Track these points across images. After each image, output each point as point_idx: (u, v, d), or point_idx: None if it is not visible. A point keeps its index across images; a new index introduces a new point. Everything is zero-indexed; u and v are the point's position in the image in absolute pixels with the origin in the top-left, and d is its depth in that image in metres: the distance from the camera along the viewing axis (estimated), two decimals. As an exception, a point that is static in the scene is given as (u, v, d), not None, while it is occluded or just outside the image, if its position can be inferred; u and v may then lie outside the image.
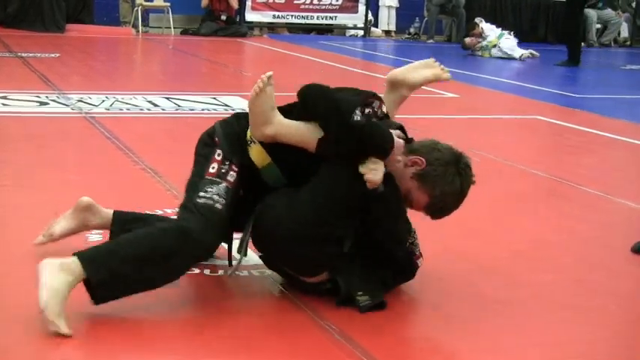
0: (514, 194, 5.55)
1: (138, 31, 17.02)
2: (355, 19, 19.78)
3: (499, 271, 4.01)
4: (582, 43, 15.18)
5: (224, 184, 3.39)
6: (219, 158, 3.46)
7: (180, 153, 6.22)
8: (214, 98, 8.85)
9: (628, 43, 21.11)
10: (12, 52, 12.33)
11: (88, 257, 3.18)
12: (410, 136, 3.58)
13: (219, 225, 3.34)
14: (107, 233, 3.94)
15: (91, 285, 3.16)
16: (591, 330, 3.44)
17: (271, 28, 19.47)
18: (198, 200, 3.34)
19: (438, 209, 3.45)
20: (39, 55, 12.17)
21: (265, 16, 18.89)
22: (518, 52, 16.05)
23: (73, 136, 6.73)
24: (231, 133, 3.53)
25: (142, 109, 8.05)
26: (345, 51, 15.94)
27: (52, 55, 12.23)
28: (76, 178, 5.35)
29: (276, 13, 18.88)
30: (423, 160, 3.39)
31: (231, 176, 3.43)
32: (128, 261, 3.19)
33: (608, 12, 20.54)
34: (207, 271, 3.78)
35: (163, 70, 12.84)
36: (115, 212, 3.95)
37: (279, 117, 3.42)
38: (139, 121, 7.57)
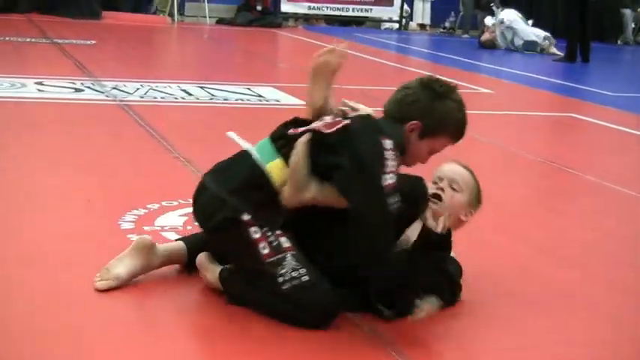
0: (546, 191, 5.52)
1: (174, 20, 17.07)
2: (390, 12, 19.74)
3: (528, 268, 3.99)
4: (593, 40, 14.90)
5: (288, 254, 3.18)
6: (259, 236, 3.21)
7: (213, 142, 6.26)
8: (248, 88, 8.87)
9: (664, 41, 20.95)
10: (48, 38, 12.41)
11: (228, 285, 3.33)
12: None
13: (317, 290, 3.16)
14: None
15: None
16: (619, 330, 3.42)
17: (306, 19, 19.47)
18: (284, 288, 3.15)
19: (460, 132, 3.44)
20: (74, 41, 12.24)
21: (300, 7, 18.89)
22: (538, 34, 16.33)
23: (107, 123, 6.76)
24: (258, 201, 3.25)
25: (176, 98, 8.07)
26: (380, 44, 15.91)
27: (88, 42, 12.30)
28: (110, 164, 5.38)
29: (312, 5, 18.88)
30: (416, 122, 3.32)
31: (285, 241, 3.21)
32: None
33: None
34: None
35: (198, 59, 12.87)
36: (186, 245, 3.65)
37: (315, 182, 3.22)
38: (172, 110, 7.59)
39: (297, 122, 3.39)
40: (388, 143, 3.14)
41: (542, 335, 3.30)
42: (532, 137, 7.65)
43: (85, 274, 3.46)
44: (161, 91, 8.32)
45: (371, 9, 19.47)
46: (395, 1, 19.51)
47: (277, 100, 8.31)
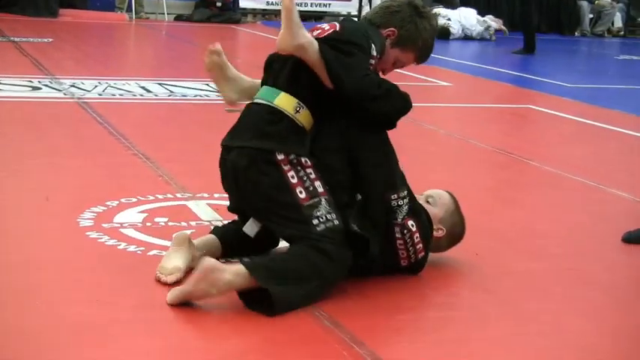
0: (507, 183, 5.55)
1: (131, 17, 16.98)
2: (349, 7, 19.75)
3: (488, 260, 4.01)
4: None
5: (322, 199, 3.38)
6: (296, 181, 3.38)
7: (173, 139, 6.27)
8: (207, 84, 8.83)
9: (622, 33, 21.10)
10: (4, 37, 12.29)
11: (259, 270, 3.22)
12: None
13: (344, 237, 3.37)
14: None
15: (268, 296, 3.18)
16: (579, 319, 3.44)
17: (265, 14, 19.43)
18: (318, 229, 3.32)
19: (426, 54, 3.80)
20: (32, 39, 12.14)
21: (259, 3, 18.84)
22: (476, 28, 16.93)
23: (65, 121, 6.71)
24: (283, 134, 3.44)
25: (134, 95, 8.03)
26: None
27: (45, 40, 12.19)
28: (68, 162, 5.34)
29: (270, 0, 18.84)
30: (393, 29, 3.67)
31: (319, 186, 3.40)
32: (290, 278, 3.25)
33: (602, 2, 20.54)
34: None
35: (156, 55, 12.82)
36: (217, 236, 3.74)
37: (307, 33, 3.47)
38: (131, 107, 7.56)
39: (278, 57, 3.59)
40: (373, 48, 3.52)
41: (497, 325, 3.32)
42: (490, 129, 7.69)
43: (44, 272, 3.44)
44: (119, 89, 8.28)
45: (330, 4, 19.46)
46: (353, -4, 19.52)
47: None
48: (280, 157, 3.39)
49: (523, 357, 3.09)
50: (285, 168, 3.38)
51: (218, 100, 8.01)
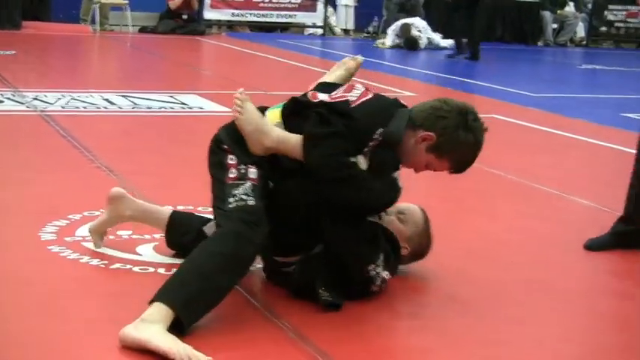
0: (471, 192, 5.56)
1: (96, 29, 16.91)
2: (314, 18, 19.79)
3: (452, 269, 4.02)
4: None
5: (249, 183, 3.37)
6: (233, 162, 3.43)
7: (136, 151, 6.23)
8: (172, 97, 8.81)
9: (584, 42, 21.28)
10: (-34, 50, 12.20)
11: (167, 298, 3.09)
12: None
13: (258, 217, 3.31)
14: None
15: (179, 319, 3.08)
16: (539, 328, 3.45)
17: (230, 26, 19.41)
18: (230, 206, 3.32)
19: (462, 167, 3.60)
20: (-6, 52, 12.06)
21: (224, 14, 18.82)
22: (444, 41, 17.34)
23: (28, 134, 6.67)
24: (240, 138, 3.46)
25: (98, 108, 7.99)
26: (304, 49, 15.93)
27: (7, 53, 12.11)
28: (30, 176, 5.29)
29: (235, 11, 18.83)
30: (432, 134, 3.43)
31: (252, 173, 3.40)
32: (198, 283, 3.14)
33: (565, 12, 20.71)
34: (161, 270, 3.76)
35: (121, 68, 12.76)
36: (171, 216, 3.94)
37: (273, 128, 3.42)
38: (95, 120, 7.52)
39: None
40: (378, 132, 3.36)
41: (458, 334, 3.32)
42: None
43: (4, 285, 3.40)
44: (83, 101, 8.23)
45: (295, 15, 19.49)
46: (318, 7, 19.56)
47: (201, 108, 8.27)
48: (226, 146, 3.47)
49: (488, 366, 3.10)
50: (229, 155, 3.44)
51: (182, 112, 8.01)
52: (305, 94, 3.63)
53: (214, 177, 3.48)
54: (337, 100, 3.49)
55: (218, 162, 3.47)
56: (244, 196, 3.33)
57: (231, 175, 3.39)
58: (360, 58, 4.02)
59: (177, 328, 3.05)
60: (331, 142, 3.29)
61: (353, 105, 3.44)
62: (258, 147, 3.41)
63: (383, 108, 3.50)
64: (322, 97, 3.54)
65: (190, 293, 3.11)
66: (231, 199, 3.33)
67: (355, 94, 3.52)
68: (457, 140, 3.45)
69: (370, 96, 3.52)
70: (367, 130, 3.37)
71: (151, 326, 2.99)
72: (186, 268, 3.21)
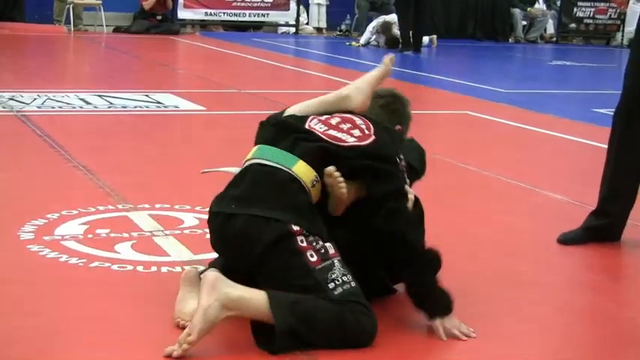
0: (445, 189, 5.63)
1: (70, 29, 16.87)
2: (287, 17, 19.82)
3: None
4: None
5: (335, 260, 3.15)
6: (305, 244, 3.14)
7: (113, 150, 6.27)
8: (147, 95, 8.84)
9: (554, 39, 21.41)
10: (-61, 51, 12.16)
11: (281, 309, 2.99)
12: None
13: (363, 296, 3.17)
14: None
15: (273, 333, 2.99)
16: (517, 322, 3.51)
17: (204, 25, 19.41)
18: (335, 293, 3.09)
19: None
20: (-32, 53, 12.03)
21: (197, 14, 18.82)
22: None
23: (4, 134, 6.68)
24: (300, 208, 3.20)
25: (74, 107, 8.01)
26: (277, 48, 15.96)
27: (-19, 54, 12.09)
28: (8, 175, 5.32)
29: (209, 11, 18.82)
30: (399, 127, 3.75)
31: (330, 247, 3.17)
32: (316, 326, 3.04)
33: (535, 9, 20.83)
34: (140, 267, 3.81)
35: (96, 67, 12.75)
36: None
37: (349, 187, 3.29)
38: (71, 119, 7.54)
39: (281, 122, 3.42)
40: (402, 165, 3.48)
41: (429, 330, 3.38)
42: (428, 135, 7.76)
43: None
44: (59, 101, 8.25)
45: (267, 14, 19.50)
46: (291, 6, 19.59)
47: (176, 106, 8.30)
48: (296, 228, 3.15)
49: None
50: (297, 237, 3.14)
51: (158, 111, 8.04)
52: (310, 132, 3.36)
53: (285, 273, 3.12)
54: (372, 144, 3.37)
55: (283, 253, 3.12)
56: (344, 277, 3.12)
57: (313, 260, 3.12)
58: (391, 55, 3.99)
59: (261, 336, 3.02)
60: (421, 220, 3.73)
61: (376, 143, 3.38)
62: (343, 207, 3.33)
63: (392, 143, 3.51)
64: (345, 137, 3.35)
65: (299, 329, 3.01)
66: (331, 285, 3.10)
67: (362, 125, 3.45)
68: (407, 118, 3.84)
69: (370, 124, 3.48)
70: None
71: (219, 311, 2.94)
72: (314, 309, 3.06)
